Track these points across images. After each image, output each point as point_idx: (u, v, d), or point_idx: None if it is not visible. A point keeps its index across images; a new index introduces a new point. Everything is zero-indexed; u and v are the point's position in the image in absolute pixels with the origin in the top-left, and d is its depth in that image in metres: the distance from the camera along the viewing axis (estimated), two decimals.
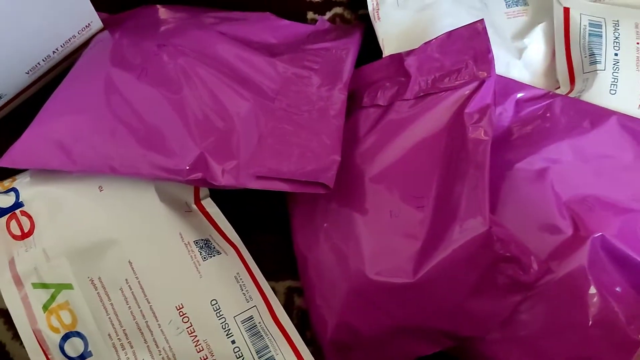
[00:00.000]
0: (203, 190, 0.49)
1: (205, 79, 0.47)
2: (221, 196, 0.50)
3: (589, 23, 0.49)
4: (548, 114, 0.47)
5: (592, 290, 0.41)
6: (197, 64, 0.47)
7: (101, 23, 0.50)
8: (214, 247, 0.46)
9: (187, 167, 0.43)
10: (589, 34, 0.49)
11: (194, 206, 0.49)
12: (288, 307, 0.50)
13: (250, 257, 0.48)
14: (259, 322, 0.45)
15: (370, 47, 0.53)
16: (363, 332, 0.44)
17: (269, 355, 0.44)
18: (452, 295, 0.42)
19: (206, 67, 0.47)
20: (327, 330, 0.46)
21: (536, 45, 0.51)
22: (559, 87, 0.50)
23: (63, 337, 0.43)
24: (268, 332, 0.45)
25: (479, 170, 0.41)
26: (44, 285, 0.43)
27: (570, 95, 0.49)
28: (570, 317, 0.43)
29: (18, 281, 0.43)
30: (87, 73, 0.47)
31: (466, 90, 0.44)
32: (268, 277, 0.48)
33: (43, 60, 0.49)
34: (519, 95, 0.48)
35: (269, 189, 0.44)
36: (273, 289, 0.47)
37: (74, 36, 0.50)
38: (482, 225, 0.39)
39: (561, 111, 0.47)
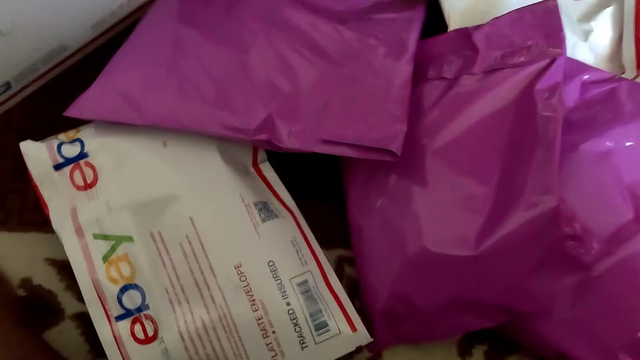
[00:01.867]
0: (261, 154, 0.49)
1: (272, 42, 0.47)
2: (277, 161, 0.50)
3: None
4: (613, 98, 0.46)
5: None
6: (265, 27, 0.47)
7: None
8: (272, 211, 0.46)
9: (254, 127, 0.43)
10: None
11: (252, 169, 0.49)
12: (338, 276, 0.50)
13: (306, 223, 0.48)
14: (313, 287, 0.45)
15: (431, 22, 0.52)
16: (417, 303, 0.44)
17: (321, 319, 0.44)
18: (513, 270, 0.42)
19: (274, 30, 0.47)
20: (379, 301, 0.46)
21: (603, 29, 0.51)
22: (624, 73, 0.50)
23: (121, 288, 0.43)
24: (321, 297, 0.45)
25: (549, 146, 0.41)
26: (105, 237, 0.44)
27: (636, 79, 0.49)
28: (627, 300, 0.43)
29: (79, 231, 0.44)
30: (155, 29, 0.47)
31: (536, 68, 0.44)
32: (320, 245, 0.48)
33: (108, 14, 0.49)
34: (585, 77, 0.47)
35: (334, 154, 0.44)
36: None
37: None
38: (551, 201, 0.40)
39: (627, 95, 0.46)
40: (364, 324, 0.45)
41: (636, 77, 0.49)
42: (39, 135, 0.46)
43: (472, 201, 0.43)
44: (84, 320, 0.49)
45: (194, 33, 0.46)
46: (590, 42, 0.50)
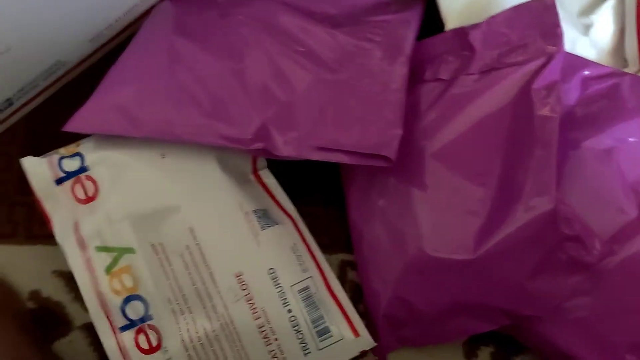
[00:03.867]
0: (261, 161, 0.50)
1: (267, 49, 0.47)
2: (276, 168, 0.50)
3: None
4: (615, 93, 0.46)
5: None
6: (259, 33, 0.47)
7: None
8: (272, 218, 0.46)
9: (250, 137, 0.43)
10: None
11: (252, 176, 0.49)
12: (341, 280, 0.51)
13: (306, 228, 0.48)
14: (315, 293, 0.45)
15: (429, 22, 0.52)
16: (419, 307, 0.44)
17: (324, 325, 0.44)
18: (513, 273, 0.41)
19: (268, 38, 0.47)
20: (381, 305, 0.46)
21: (604, 23, 0.50)
22: (626, 67, 0.49)
23: (125, 299, 0.44)
24: (323, 303, 0.45)
25: (546, 147, 0.40)
26: (107, 249, 0.44)
27: (639, 74, 0.47)
28: (631, 301, 0.42)
29: (82, 244, 0.44)
30: (150, 42, 0.47)
31: (533, 66, 0.43)
32: (322, 250, 0.48)
33: (106, 28, 0.49)
34: (585, 72, 0.46)
35: (329, 161, 0.43)
36: (327, 261, 0.48)
37: (136, 5, 0.50)
38: (548, 202, 0.39)
39: (630, 90, 0.45)
40: (368, 328, 0.45)
41: (639, 71, 0.48)
42: (43, 149, 0.47)
43: (471, 204, 0.42)
44: (92, 331, 0.49)
45: (188, 43, 0.46)
46: (591, 37, 0.50)
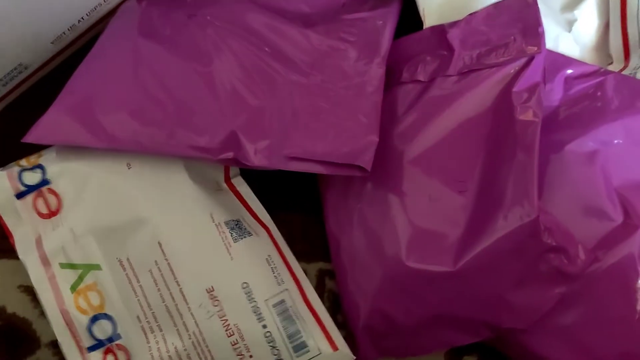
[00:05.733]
0: (233, 168, 0.48)
1: (236, 52, 0.44)
2: (250, 174, 0.48)
3: None
4: (599, 93, 0.44)
5: None
6: (228, 35, 0.45)
7: None
8: (245, 228, 0.45)
9: (218, 146, 0.41)
10: None
11: (224, 185, 0.47)
12: (319, 290, 0.49)
13: (282, 238, 0.46)
14: (291, 306, 0.43)
15: (408, 18, 0.50)
16: (398, 320, 0.43)
17: (300, 340, 0.43)
18: (494, 285, 0.40)
19: (237, 39, 0.45)
20: (360, 317, 0.44)
21: (588, 18, 0.48)
22: (611, 63, 0.47)
23: (91, 318, 0.42)
24: (300, 316, 0.43)
25: (527, 154, 0.38)
26: (72, 266, 0.42)
27: (624, 72, 0.46)
28: (616, 309, 0.41)
29: (45, 261, 0.42)
30: (114, 44, 0.45)
31: (514, 67, 0.41)
32: (299, 259, 0.46)
33: (68, 29, 0.47)
34: (568, 71, 0.45)
35: (303, 171, 0.42)
36: (304, 270, 0.46)
37: (99, 4, 0.47)
38: (529, 213, 0.37)
39: (614, 90, 0.44)
40: (346, 339, 0.44)
41: (624, 68, 0.46)
42: (2, 161, 0.45)
43: (450, 212, 0.41)
44: (60, 348, 0.47)
45: (154, 45, 0.44)
46: (574, 33, 0.48)
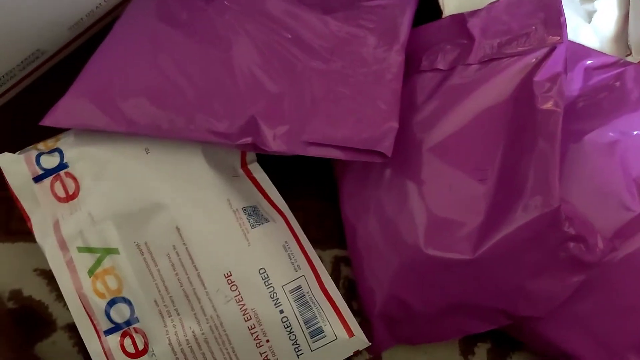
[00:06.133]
0: (250, 154, 0.47)
1: (254, 38, 0.44)
2: (266, 160, 0.48)
3: None
4: (619, 84, 0.44)
5: None
6: (246, 20, 0.45)
7: None
8: (262, 215, 0.45)
9: (237, 131, 0.41)
10: None
11: (241, 171, 0.47)
12: (335, 277, 0.49)
13: (298, 225, 0.46)
14: (307, 292, 0.43)
15: (427, 6, 0.50)
16: (414, 307, 0.43)
17: (317, 325, 0.43)
18: (513, 273, 0.40)
19: (255, 25, 0.45)
20: (376, 303, 0.44)
21: (607, 9, 0.48)
22: (629, 54, 0.47)
23: (109, 302, 0.42)
24: (316, 302, 0.43)
25: (549, 143, 0.38)
26: (90, 250, 0.42)
27: None
28: (632, 298, 0.41)
29: (63, 245, 0.42)
30: (132, 29, 0.45)
31: (535, 57, 0.41)
32: (314, 246, 0.46)
33: (86, 15, 0.47)
34: (588, 62, 0.45)
35: (321, 157, 0.42)
36: (320, 257, 0.46)
37: None
38: (551, 202, 0.37)
39: (634, 81, 0.44)
40: (362, 325, 0.44)
41: None
42: (20, 144, 0.45)
43: (470, 201, 0.41)
44: (76, 331, 0.48)
45: (173, 31, 0.44)
46: (594, 24, 0.48)
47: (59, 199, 0.43)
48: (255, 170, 0.48)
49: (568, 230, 0.38)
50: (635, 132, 0.42)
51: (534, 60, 0.41)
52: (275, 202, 0.47)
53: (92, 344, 0.42)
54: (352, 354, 0.44)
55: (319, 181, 0.50)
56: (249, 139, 0.42)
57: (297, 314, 0.42)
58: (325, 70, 0.44)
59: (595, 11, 0.48)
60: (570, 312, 0.42)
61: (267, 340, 0.42)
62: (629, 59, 0.47)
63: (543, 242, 0.38)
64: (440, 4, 0.48)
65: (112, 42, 0.45)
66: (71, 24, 0.46)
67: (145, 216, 0.42)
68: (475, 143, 0.41)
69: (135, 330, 0.42)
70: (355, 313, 0.45)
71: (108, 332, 0.42)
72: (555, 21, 0.41)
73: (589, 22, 0.47)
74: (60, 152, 0.43)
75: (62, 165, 0.43)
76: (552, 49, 0.41)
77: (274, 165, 0.49)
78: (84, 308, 0.42)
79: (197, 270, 0.42)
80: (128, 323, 0.42)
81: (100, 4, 0.47)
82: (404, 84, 0.44)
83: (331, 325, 0.43)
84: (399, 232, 0.43)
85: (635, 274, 0.41)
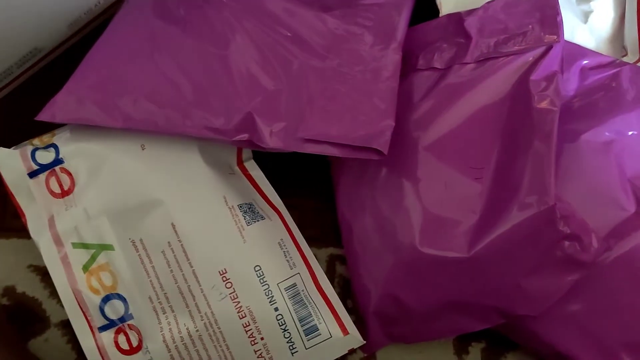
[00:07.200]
0: (246, 151, 0.47)
1: (252, 34, 0.44)
2: (262, 158, 0.48)
3: None
4: (614, 84, 0.44)
5: None
6: (244, 17, 0.45)
7: None
8: (258, 212, 0.45)
9: (234, 128, 0.41)
10: None
11: (237, 168, 0.47)
12: (330, 275, 0.49)
13: (294, 222, 0.46)
14: (302, 290, 0.43)
15: (424, 5, 0.50)
16: (409, 305, 0.43)
17: (311, 323, 0.43)
18: (508, 272, 0.40)
19: (253, 22, 0.45)
20: (371, 302, 0.44)
21: (603, 10, 0.48)
22: (625, 55, 0.47)
23: (103, 298, 0.42)
24: (311, 300, 0.43)
25: (545, 142, 0.38)
26: (85, 246, 0.42)
27: (638, 64, 0.46)
28: (628, 297, 0.41)
29: (58, 240, 0.42)
30: (129, 25, 0.45)
31: (532, 56, 0.41)
32: (310, 244, 0.46)
33: (85, 13, 0.47)
34: (584, 62, 0.45)
35: (318, 154, 0.42)
36: (315, 255, 0.46)
37: None
38: (546, 201, 0.37)
39: (629, 81, 0.44)
40: (356, 323, 0.44)
41: (639, 60, 0.46)
42: (15, 139, 0.45)
43: (466, 199, 0.41)
44: (70, 328, 0.47)
45: (170, 28, 0.44)
46: (590, 24, 0.48)
47: (54, 195, 0.43)
48: (252, 168, 0.48)
49: (563, 229, 0.38)
50: (630, 133, 0.42)
51: (530, 59, 0.41)
52: (271, 200, 0.47)
53: (85, 340, 0.41)
54: (347, 352, 0.44)
55: (315, 179, 0.50)
56: (245, 136, 0.42)
57: (292, 312, 0.42)
58: (323, 67, 0.44)
59: (591, 11, 0.48)
60: (564, 311, 0.42)
61: (262, 338, 0.42)
62: (625, 59, 0.47)
63: (539, 240, 0.38)
64: (437, 2, 0.48)
65: (109, 38, 0.45)
66: (70, 22, 0.46)
67: (141, 212, 0.42)
68: (472, 142, 0.42)
69: (130, 326, 0.42)
70: (350, 311, 0.45)
71: (102, 328, 0.42)
72: (551, 20, 0.41)
73: (585, 22, 0.48)
74: (56, 147, 0.43)
75: (57, 161, 0.43)
76: (549, 48, 0.41)
77: (270, 163, 0.49)
78: (78, 304, 0.42)
79: (192, 267, 0.42)
80: (122, 320, 0.42)
81: (99, 1, 0.47)
82: (401, 82, 0.44)
83: (326, 323, 0.43)
84: (394, 230, 0.43)
85: (629, 273, 0.41)
